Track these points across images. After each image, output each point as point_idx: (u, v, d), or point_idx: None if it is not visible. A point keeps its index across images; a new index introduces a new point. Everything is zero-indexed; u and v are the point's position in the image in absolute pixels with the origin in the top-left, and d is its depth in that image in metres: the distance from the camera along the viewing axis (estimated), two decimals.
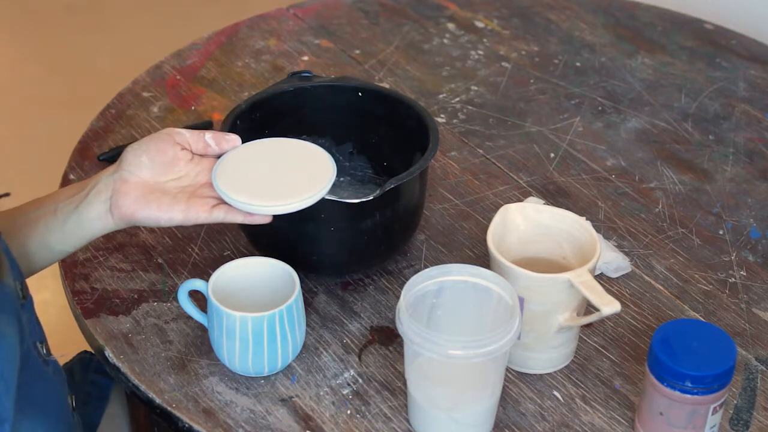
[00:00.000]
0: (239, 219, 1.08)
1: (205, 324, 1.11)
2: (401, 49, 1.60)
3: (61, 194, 1.09)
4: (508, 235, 1.12)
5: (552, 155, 1.41)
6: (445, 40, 1.63)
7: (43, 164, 2.03)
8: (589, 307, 1.08)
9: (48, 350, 1.04)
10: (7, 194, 1.83)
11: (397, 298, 1.03)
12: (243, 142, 1.12)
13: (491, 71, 1.57)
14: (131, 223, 1.08)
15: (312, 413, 1.07)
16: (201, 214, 1.07)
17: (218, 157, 1.11)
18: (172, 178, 1.08)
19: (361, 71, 1.56)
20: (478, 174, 1.37)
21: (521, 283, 1.05)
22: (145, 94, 1.50)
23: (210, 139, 1.10)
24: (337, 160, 1.29)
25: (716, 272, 1.24)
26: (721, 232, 1.30)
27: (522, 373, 1.12)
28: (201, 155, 1.10)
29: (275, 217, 1.09)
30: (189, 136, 1.09)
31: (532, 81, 1.55)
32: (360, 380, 1.11)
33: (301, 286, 1.09)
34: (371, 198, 1.10)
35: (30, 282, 1.04)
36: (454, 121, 1.47)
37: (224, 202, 1.08)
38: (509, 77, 1.55)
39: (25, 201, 1.12)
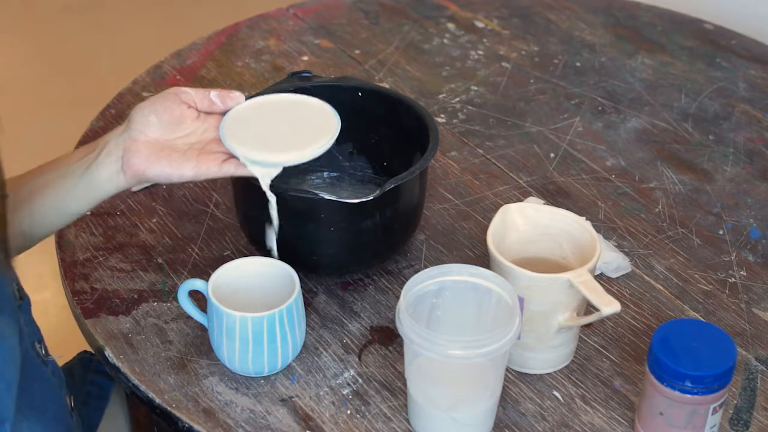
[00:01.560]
0: (252, 170, 1.09)
1: (205, 324, 1.11)
2: (401, 49, 1.60)
3: (71, 157, 1.10)
4: (508, 235, 1.12)
5: (552, 155, 1.41)
6: (445, 40, 1.63)
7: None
8: (589, 307, 1.08)
9: (46, 350, 1.04)
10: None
11: (397, 298, 1.03)
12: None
13: (491, 71, 1.57)
14: (143, 181, 1.09)
15: (312, 413, 1.07)
16: (212, 168, 1.08)
17: (223, 114, 1.12)
18: (180, 136, 1.09)
19: (361, 71, 1.56)
20: (478, 174, 1.37)
21: (521, 283, 1.05)
22: (145, 94, 1.50)
23: (215, 96, 1.11)
24: (337, 160, 1.30)
25: (716, 272, 1.24)
26: (721, 232, 1.30)
27: (522, 373, 1.12)
28: (207, 113, 1.11)
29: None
30: (194, 95, 1.10)
31: (532, 81, 1.55)
32: (360, 380, 1.11)
33: (301, 286, 1.09)
34: (371, 198, 1.10)
35: (30, 282, 1.04)
36: (454, 121, 1.47)
37: (233, 157, 1.08)
38: (509, 77, 1.55)
39: None
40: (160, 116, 1.07)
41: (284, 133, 1.11)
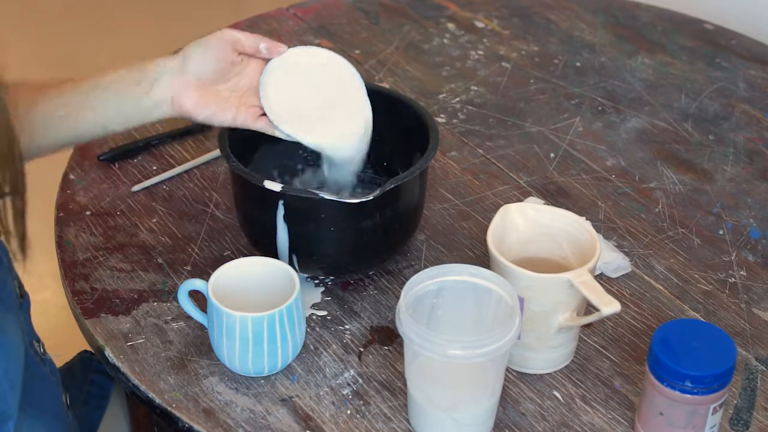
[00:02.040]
0: (279, 135, 1.14)
1: (205, 324, 1.11)
2: (401, 49, 1.60)
3: (115, 80, 1.13)
4: (508, 235, 1.12)
5: (552, 155, 1.41)
6: (445, 40, 1.63)
7: (43, 164, 2.03)
8: (589, 307, 1.08)
9: (44, 349, 1.04)
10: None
11: (397, 298, 1.03)
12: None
13: (491, 71, 1.57)
14: (188, 118, 1.13)
15: (312, 413, 1.07)
16: (248, 121, 1.14)
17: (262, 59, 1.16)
18: (224, 81, 1.13)
19: (361, 71, 1.55)
20: (478, 174, 1.37)
21: (521, 283, 1.05)
22: None
23: (264, 48, 1.14)
24: None
25: (716, 272, 1.24)
26: (721, 232, 1.30)
27: (522, 373, 1.12)
28: (249, 55, 1.15)
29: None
30: (245, 43, 1.13)
31: (532, 81, 1.55)
32: (360, 380, 1.11)
33: (301, 286, 1.09)
34: (371, 198, 1.10)
35: (30, 282, 1.04)
36: (454, 121, 1.47)
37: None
38: (509, 77, 1.55)
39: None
40: (217, 64, 1.12)
41: (316, 109, 1.15)
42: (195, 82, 1.11)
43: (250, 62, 1.14)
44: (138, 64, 1.14)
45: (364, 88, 1.17)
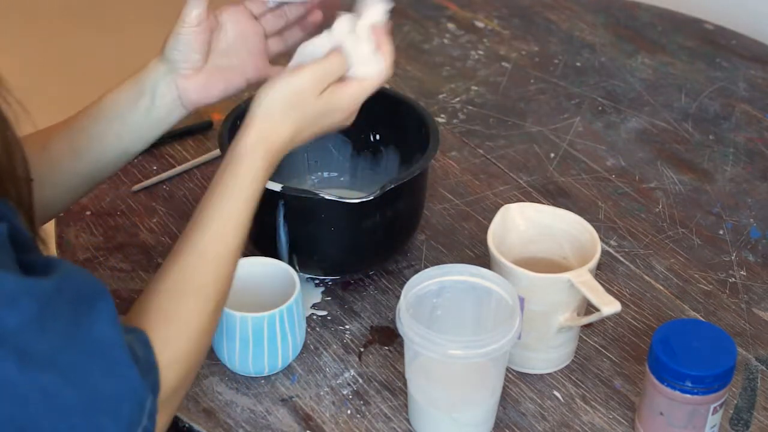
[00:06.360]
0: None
1: None
2: (401, 49, 1.60)
3: (116, 104, 1.10)
4: (509, 235, 1.12)
5: (552, 155, 1.41)
6: (445, 40, 1.63)
7: None
8: (589, 307, 1.08)
9: None
10: None
11: (397, 298, 1.04)
12: None
13: (491, 71, 1.57)
14: (205, 106, 1.12)
15: (312, 413, 1.07)
16: (262, 74, 1.13)
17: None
18: (214, 52, 1.12)
19: None
20: (478, 174, 1.37)
21: (521, 284, 1.05)
22: None
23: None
24: (337, 160, 1.30)
25: (716, 272, 1.24)
26: (721, 232, 1.30)
27: (522, 373, 1.12)
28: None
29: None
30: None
31: (532, 81, 1.55)
32: (360, 380, 1.11)
33: (301, 287, 1.09)
34: (371, 198, 1.10)
35: None
36: (454, 121, 1.47)
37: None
38: (509, 77, 1.55)
39: None
40: (197, 47, 1.11)
41: None
42: (190, 73, 1.09)
43: (218, 15, 1.14)
44: (131, 79, 1.11)
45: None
